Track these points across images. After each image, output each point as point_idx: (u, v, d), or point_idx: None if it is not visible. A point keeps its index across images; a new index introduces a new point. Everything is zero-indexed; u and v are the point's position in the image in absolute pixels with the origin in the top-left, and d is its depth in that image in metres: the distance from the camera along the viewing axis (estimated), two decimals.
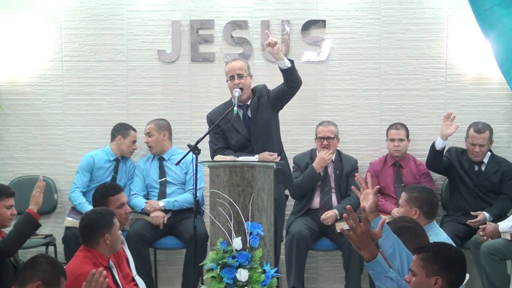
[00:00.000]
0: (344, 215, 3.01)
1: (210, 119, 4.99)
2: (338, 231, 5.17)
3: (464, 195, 5.62)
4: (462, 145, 5.72)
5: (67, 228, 5.65)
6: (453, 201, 5.70)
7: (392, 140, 5.77)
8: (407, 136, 5.81)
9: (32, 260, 3.28)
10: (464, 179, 5.62)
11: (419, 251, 2.84)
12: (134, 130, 5.89)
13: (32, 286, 3.12)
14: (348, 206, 3.03)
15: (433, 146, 5.56)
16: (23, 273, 3.21)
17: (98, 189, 4.52)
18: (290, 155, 5.76)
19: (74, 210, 5.75)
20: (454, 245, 3.25)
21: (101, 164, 5.80)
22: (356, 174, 3.71)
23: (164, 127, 5.83)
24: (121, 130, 5.87)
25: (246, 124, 4.94)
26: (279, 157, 4.83)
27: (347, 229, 3.01)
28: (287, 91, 4.92)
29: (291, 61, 4.81)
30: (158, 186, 5.76)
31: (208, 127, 4.99)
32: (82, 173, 5.78)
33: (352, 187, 3.74)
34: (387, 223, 3.94)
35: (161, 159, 5.81)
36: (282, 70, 4.82)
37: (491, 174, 5.60)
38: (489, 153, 5.66)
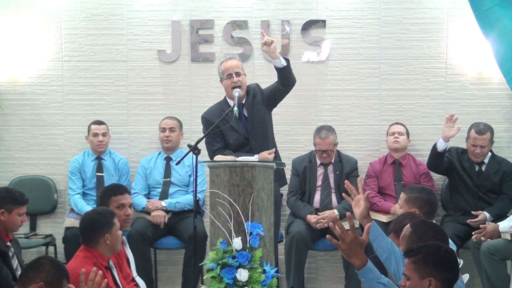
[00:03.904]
0: (330, 224, 3.01)
1: (207, 119, 4.98)
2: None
3: (464, 195, 5.61)
4: (463, 145, 5.72)
5: (67, 228, 5.65)
6: (453, 201, 5.70)
7: (392, 133, 5.79)
8: (407, 134, 5.83)
9: (35, 261, 3.28)
10: (464, 179, 5.61)
11: (409, 254, 2.84)
12: (100, 123, 5.85)
13: (34, 287, 3.12)
14: (333, 216, 3.04)
15: (434, 147, 5.55)
16: (26, 273, 3.21)
17: (104, 188, 4.56)
18: (290, 155, 5.78)
19: (74, 210, 5.75)
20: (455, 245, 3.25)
21: (85, 165, 5.83)
22: (346, 181, 3.71)
23: (181, 127, 5.91)
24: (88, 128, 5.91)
25: (243, 123, 4.95)
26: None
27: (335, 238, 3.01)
28: (281, 89, 4.95)
29: (287, 60, 4.83)
30: (161, 186, 5.76)
31: (203, 127, 5.00)
32: (72, 177, 5.83)
33: (343, 194, 3.72)
34: (389, 222, 3.93)
35: (167, 159, 5.82)
36: (278, 69, 4.85)
37: (491, 174, 5.60)
38: (489, 153, 5.65)
